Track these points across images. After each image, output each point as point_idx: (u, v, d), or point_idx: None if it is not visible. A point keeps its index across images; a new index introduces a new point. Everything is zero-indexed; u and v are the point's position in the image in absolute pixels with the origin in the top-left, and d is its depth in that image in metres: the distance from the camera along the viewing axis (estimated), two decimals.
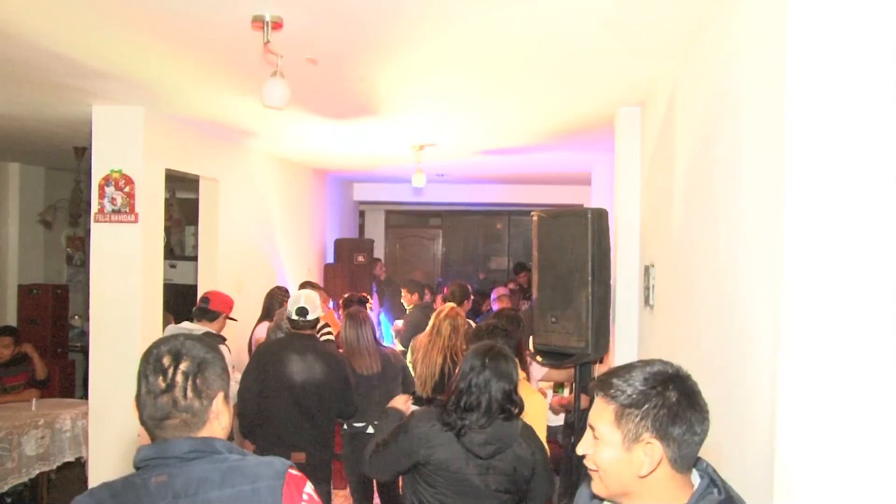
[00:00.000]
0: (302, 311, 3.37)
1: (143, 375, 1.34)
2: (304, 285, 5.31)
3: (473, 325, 5.25)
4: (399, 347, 5.41)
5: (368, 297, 5.68)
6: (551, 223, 3.19)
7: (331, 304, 5.81)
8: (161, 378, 1.32)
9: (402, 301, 6.18)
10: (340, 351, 4.08)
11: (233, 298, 3.88)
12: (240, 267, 5.22)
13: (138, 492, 1.28)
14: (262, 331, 4.47)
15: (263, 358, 3.38)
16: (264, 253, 5.73)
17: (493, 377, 2.11)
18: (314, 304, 3.43)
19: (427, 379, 4.09)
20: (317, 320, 3.44)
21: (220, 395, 1.36)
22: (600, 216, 3.07)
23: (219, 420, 1.36)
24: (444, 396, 2.14)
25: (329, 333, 4.44)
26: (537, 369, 3.56)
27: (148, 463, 1.32)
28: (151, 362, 1.34)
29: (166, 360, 1.34)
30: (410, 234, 11.53)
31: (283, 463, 1.34)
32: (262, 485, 1.29)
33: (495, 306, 6.00)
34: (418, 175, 5.86)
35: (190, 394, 1.33)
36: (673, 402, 1.16)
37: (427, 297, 6.13)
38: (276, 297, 4.65)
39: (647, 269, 3.14)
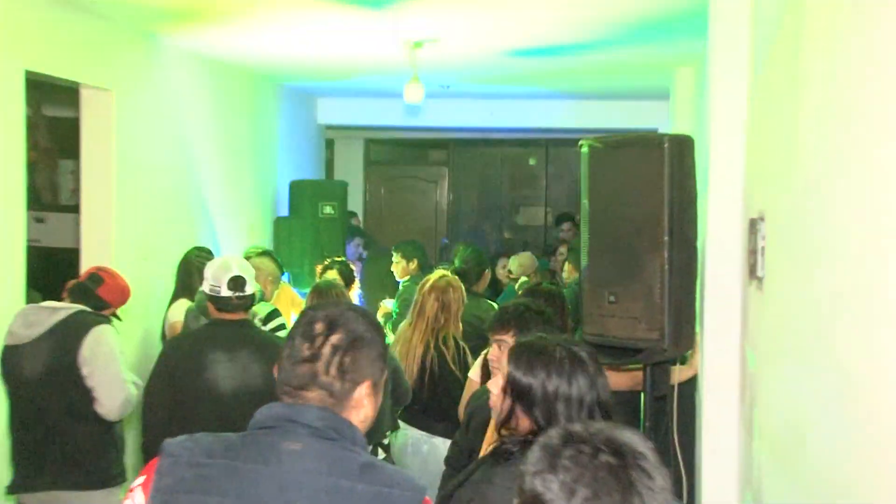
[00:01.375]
0: (237, 284, 3.37)
1: (290, 337, 1.67)
2: (261, 255, 5.26)
3: (494, 307, 5.35)
4: (388, 339, 5.45)
5: (353, 265, 5.70)
6: (609, 157, 3.22)
7: (285, 277, 5.80)
8: (307, 344, 1.63)
9: (392, 271, 6.20)
10: None
11: (129, 285, 3.80)
12: (146, 222, 5.15)
13: (265, 453, 1.54)
14: (179, 312, 4.45)
15: (175, 355, 3.40)
16: (184, 202, 5.67)
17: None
18: (250, 273, 3.45)
19: (406, 375, 4.25)
20: (252, 297, 3.46)
21: (368, 383, 1.65)
22: (683, 147, 3.06)
23: (358, 411, 1.64)
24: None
25: (281, 325, 4.43)
26: None
27: (278, 424, 1.58)
28: (303, 325, 1.66)
29: (318, 327, 1.64)
30: (402, 175, 11.52)
31: (422, 486, 1.60)
32: (402, 494, 1.55)
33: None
34: (414, 86, 5.78)
35: (333, 370, 1.62)
36: None
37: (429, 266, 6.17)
38: (196, 264, 4.64)
39: (753, 225, 3.09)
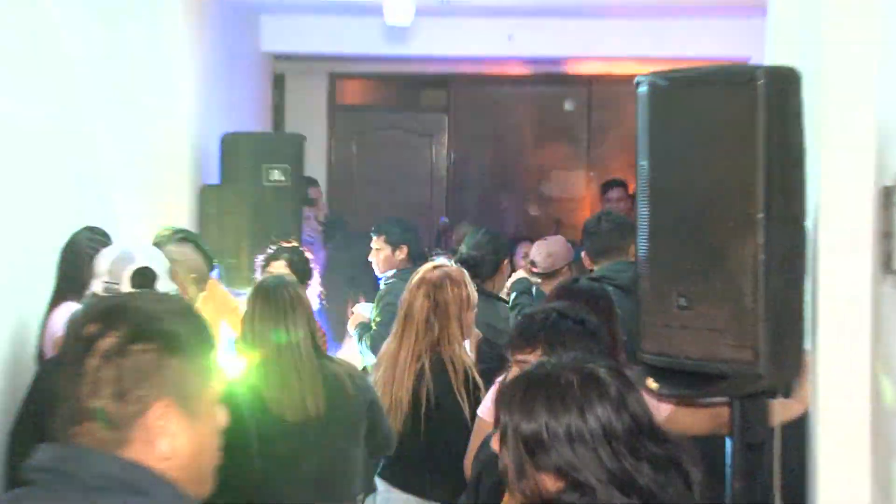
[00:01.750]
0: (144, 279, 3.41)
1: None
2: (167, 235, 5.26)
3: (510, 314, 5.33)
4: (364, 361, 5.44)
5: (309, 252, 5.70)
6: (679, 100, 3.27)
7: (215, 273, 5.79)
8: (71, 355, 1.63)
9: (370, 263, 6.20)
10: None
11: None
12: (6, 195, 5.14)
13: None
14: (63, 320, 4.44)
15: (51, 378, 3.37)
16: (64, 166, 5.65)
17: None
18: (161, 262, 3.51)
19: (390, 411, 4.28)
20: None
21: (166, 402, 1.64)
22: (786, 85, 3.11)
23: (154, 448, 1.63)
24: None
25: None
26: (648, 404, 3.53)
27: (40, 478, 1.60)
28: (71, 327, 1.68)
29: (90, 328, 1.63)
30: (382, 125, 11.52)
31: None
32: None
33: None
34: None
35: (105, 388, 1.61)
36: None
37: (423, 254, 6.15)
38: (87, 252, 4.63)
39: (888, 196, 3.09)
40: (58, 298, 4.71)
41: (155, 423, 1.63)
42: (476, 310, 4.52)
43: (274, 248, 5.59)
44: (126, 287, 3.36)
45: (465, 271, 4.58)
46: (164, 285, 3.44)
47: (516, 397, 2.19)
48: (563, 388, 2.16)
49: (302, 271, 5.23)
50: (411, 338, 4.32)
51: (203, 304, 5.22)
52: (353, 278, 7.24)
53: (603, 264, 5.22)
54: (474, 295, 4.47)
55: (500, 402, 2.23)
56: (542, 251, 6.27)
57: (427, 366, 4.28)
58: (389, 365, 4.36)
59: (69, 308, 4.51)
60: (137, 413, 1.62)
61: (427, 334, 4.30)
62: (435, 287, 4.34)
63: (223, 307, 5.59)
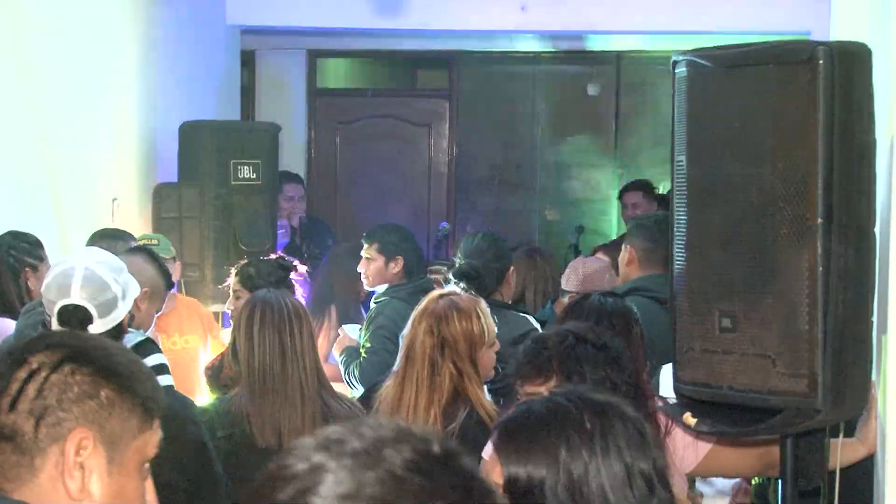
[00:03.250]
0: (72, 316, 3.39)
1: None
2: (98, 237, 5.26)
3: (533, 324, 5.29)
4: (352, 393, 5.44)
5: (291, 262, 5.66)
6: (724, 83, 3.26)
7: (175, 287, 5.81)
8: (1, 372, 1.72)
9: (358, 274, 6.21)
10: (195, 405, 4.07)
11: None
12: None
13: None
14: None
15: None
16: None
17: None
18: (107, 295, 3.46)
19: None
20: (115, 329, 3.50)
21: (83, 437, 1.65)
22: (853, 64, 3.09)
23: (63, 480, 1.65)
24: None
25: (159, 367, 4.44)
26: (683, 441, 3.62)
27: None
28: (7, 347, 1.77)
29: (28, 346, 1.73)
30: (372, 113, 11.53)
31: None
32: None
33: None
34: None
35: (22, 405, 1.67)
36: None
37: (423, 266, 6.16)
38: (8, 262, 4.68)
39: None
40: None
41: (70, 453, 1.66)
42: (496, 346, 4.41)
43: (244, 260, 5.60)
44: (55, 324, 3.38)
45: (481, 301, 4.47)
46: (107, 320, 3.44)
47: (515, 440, 2.18)
48: (577, 425, 2.16)
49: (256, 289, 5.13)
50: (413, 383, 4.20)
51: (165, 321, 5.25)
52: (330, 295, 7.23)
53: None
54: (492, 328, 4.34)
55: (495, 443, 2.21)
56: (575, 273, 6.24)
57: (437, 415, 4.16)
58: (392, 418, 4.28)
59: None
60: (53, 437, 1.66)
61: (432, 379, 4.19)
62: (439, 320, 4.21)
63: (199, 323, 5.64)
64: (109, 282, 3.46)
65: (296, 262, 5.67)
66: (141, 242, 5.67)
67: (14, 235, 4.98)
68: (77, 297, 3.39)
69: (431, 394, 4.19)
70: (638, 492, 2.13)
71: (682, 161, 3.31)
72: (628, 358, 3.26)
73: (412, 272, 6.08)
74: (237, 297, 5.14)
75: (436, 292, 4.44)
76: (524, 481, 2.13)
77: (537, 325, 5.34)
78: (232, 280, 5.34)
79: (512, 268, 5.82)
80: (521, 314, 5.57)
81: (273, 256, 5.73)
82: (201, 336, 5.70)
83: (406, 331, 4.33)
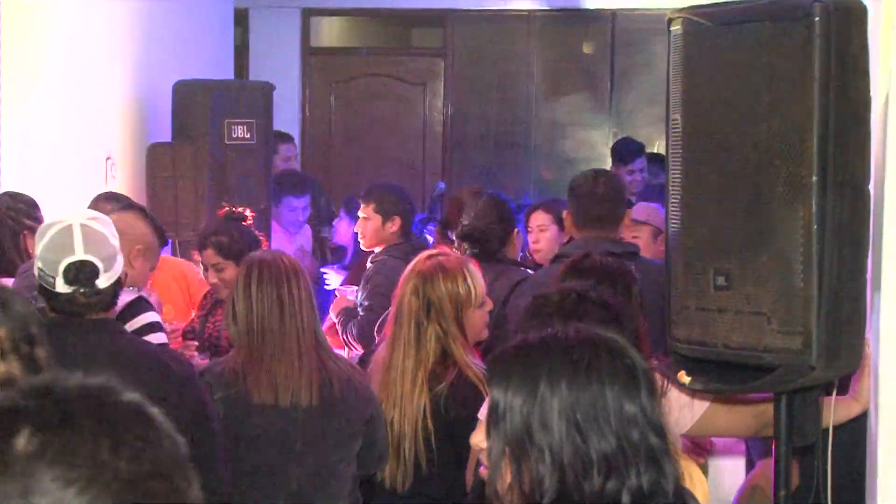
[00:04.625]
0: (79, 276, 3.39)
1: None
2: (101, 199, 5.26)
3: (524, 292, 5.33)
4: (350, 351, 5.48)
5: (241, 212, 5.63)
6: (719, 42, 3.26)
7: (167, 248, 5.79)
8: None
9: (356, 234, 6.23)
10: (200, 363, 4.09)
11: None
12: None
13: None
14: None
15: None
16: None
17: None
18: (109, 248, 3.46)
19: (395, 444, 4.21)
20: (115, 288, 3.51)
21: None
22: (848, 21, 3.07)
23: None
24: None
25: (151, 325, 4.48)
26: (679, 402, 3.62)
27: None
28: None
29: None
30: (366, 72, 11.51)
31: None
32: None
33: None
34: None
35: None
36: None
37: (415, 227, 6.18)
38: (6, 223, 4.65)
39: None
40: None
41: None
42: (487, 305, 4.40)
43: (225, 211, 5.53)
44: (60, 283, 3.37)
45: (470, 261, 4.46)
46: (110, 275, 3.44)
47: (516, 367, 2.21)
48: (579, 357, 2.18)
49: (239, 253, 4.99)
50: (402, 343, 4.22)
51: (156, 288, 5.24)
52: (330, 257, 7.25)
53: (588, 234, 5.13)
54: (480, 288, 4.32)
55: (488, 372, 2.24)
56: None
57: (447, 384, 4.17)
58: (383, 380, 4.27)
59: None
60: None
61: (421, 340, 4.20)
62: (424, 281, 4.22)
63: (181, 281, 5.59)
64: (108, 235, 3.47)
65: (244, 210, 5.60)
66: (115, 201, 5.64)
67: (11, 196, 4.96)
68: (81, 253, 3.39)
69: (418, 355, 4.21)
70: (618, 430, 2.14)
71: (677, 119, 3.31)
72: (629, 317, 3.27)
73: (409, 232, 6.10)
74: (219, 270, 5.08)
75: (425, 252, 4.45)
76: (502, 406, 2.16)
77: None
78: (204, 254, 5.24)
79: (516, 230, 5.79)
80: (528, 269, 5.57)
81: (222, 211, 5.63)
82: (181, 308, 5.60)
83: (396, 289, 4.35)
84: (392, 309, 4.34)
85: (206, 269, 5.22)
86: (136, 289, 4.65)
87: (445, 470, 4.20)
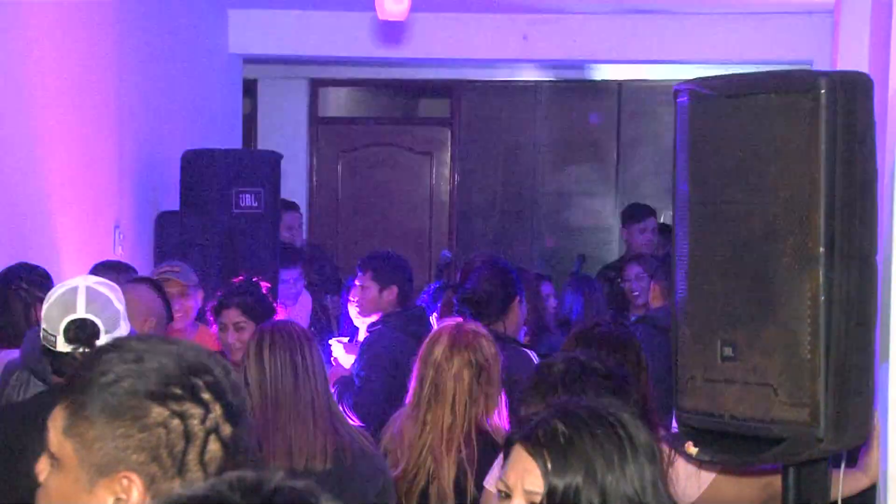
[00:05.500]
0: (80, 333, 3.40)
1: None
2: (101, 269, 5.25)
3: (531, 358, 5.30)
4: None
5: (264, 284, 5.66)
6: (726, 112, 3.26)
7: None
8: None
9: (351, 305, 6.21)
10: None
11: None
12: None
13: None
14: None
15: None
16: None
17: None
18: (111, 310, 3.46)
19: None
20: None
21: None
22: (855, 94, 3.08)
23: None
24: None
25: None
26: (685, 472, 3.62)
27: None
28: None
29: None
30: (374, 141, 11.54)
31: None
32: None
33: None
34: None
35: None
36: None
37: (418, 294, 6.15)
38: (20, 294, 4.66)
39: None
40: None
41: None
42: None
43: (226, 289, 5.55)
44: (61, 341, 3.37)
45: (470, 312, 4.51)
46: (113, 334, 3.44)
47: (568, 451, 2.20)
48: (622, 434, 2.21)
49: (261, 315, 5.14)
50: (445, 418, 4.18)
51: None
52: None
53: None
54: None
55: (550, 459, 2.21)
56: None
57: (474, 451, 4.14)
58: (412, 457, 4.21)
59: (2, 357, 4.54)
60: None
61: (471, 410, 4.18)
62: (473, 351, 4.20)
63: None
64: (112, 298, 3.47)
65: (258, 280, 5.66)
66: (163, 270, 5.66)
67: (25, 268, 4.95)
68: (83, 311, 3.39)
69: (461, 422, 4.18)
70: (655, 498, 2.17)
71: (684, 190, 3.30)
72: (634, 387, 3.26)
73: (406, 300, 6.07)
74: (239, 329, 5.09)
75: (448, 323, 4.42)
76: (561, 490, 2.16)
77: (535, 361, 5.30)
78: (226, 314, 5.25)
79: (517, 299, 5.66)
80: (524, 349, 5.42)
81: (238, 279, 5.72)
82: None
83: (423, 369, 4.27)
84: (424, 384, 4.25)
85: (223, 330, 5.21)
86: None
87: None
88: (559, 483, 2.16)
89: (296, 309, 7.65)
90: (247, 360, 4.00)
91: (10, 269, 4.92)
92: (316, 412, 3.94)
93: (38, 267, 5.05)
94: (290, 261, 7.81)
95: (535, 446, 2.20)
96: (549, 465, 2.18)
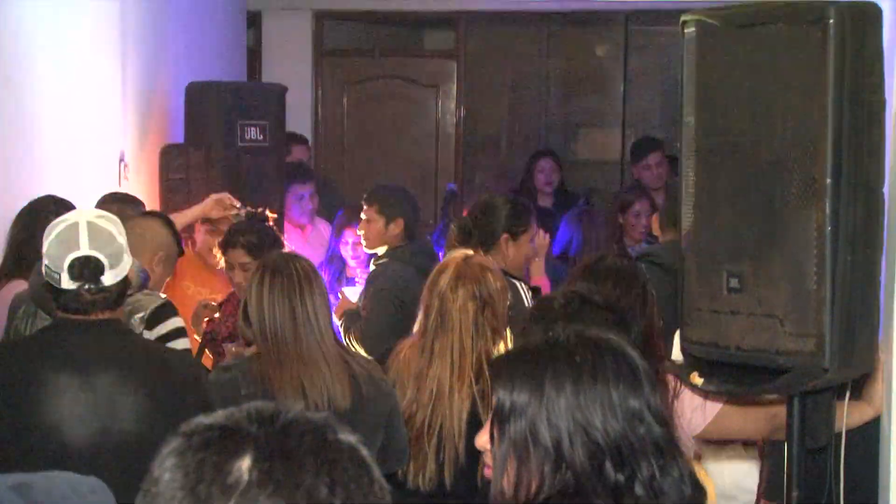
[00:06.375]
0: (83, 271, 3.40)
1: None
2: (109, 201, 5.27)
3: (527, 296, 5.31)
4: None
5: (270, 214, 5.68)
6: (733, 43, 3.26)
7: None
8: None
9: (358, 236, 6.22)
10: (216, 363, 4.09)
11: None
12: None
13: None
14: (4, 304, 4.52)
15: None
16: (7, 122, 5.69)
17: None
18: (115, 245, 3.46)
19: (433, 443, 4.21)
20: (121, 287, 3.51)
21: None
22: (863, 24, 3.08)
23: None
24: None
25: (177, 331, 4.51)
26: (691, 403, 3.64)
27: None
28: None
29: None
30: (378, 74, 11.49)
31: None
32: None
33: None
34: None
35: None
36: None
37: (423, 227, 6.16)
38: (42, 226, 4.70)
39: None
40: (3, 276, 4.76)
41: None
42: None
43: (234, 211, 5.59)
44: (65, 279, 3.38)
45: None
46: (116, 273, 3.45)
47: (508, 369, 2.28)
48: (583, 358, 2.24)
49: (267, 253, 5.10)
50: (452, 352, 4.20)
51: (171, 288, 5.25)
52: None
53: (668, 238, 5.23)
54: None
55: (499, 375, 2.29)
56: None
57: (487, 380, 4.08)
58: (421, 387, 4.25)
59: (15, 288, 4.55)
60: None
61: (478, 342, 4.21)
62: (478, 283, 4.23)
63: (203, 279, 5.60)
64: (114, 232, 3.47)
65: (264, 211, 5.67)
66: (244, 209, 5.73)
67: (55, 201, 4.96)
68: (86, 249, 3.39)
69: (471, 358, 4.20)
70: (623, 426, 2.20)
71: (690, 122, 3.31)
72: (638, 319, 3.27)
73: (412, 233, 6.06)
74: (247, 269, 5.00)
75: (455, 254, 4.43)
76: (507, 407, 2.22)
77: (525, 294, 5.30)
78: (232, 253, 5.27)
79: (526, 232, 5.56)
80: (513, 279, 5.30)
81: (243, 212, 5.71)
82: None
83: (429, 300, 4.31)
84: (427, 315, 4.30)
85: (231, 268, 5.22)
86: (159, 295, 4.66)
87: (472, 470, 4.21)
88: (506, 399, 2.22)
89: (312, 233, 7.64)
90: (248, 296, 4.00)
91: (39, 202, 4.93)
92: (327, 354, 3.93)
93: (65, 200, 5.06)
94: (304, 176, 7.80)
95: (495, 366, 2.38)
96: (500, 382, 2.25)
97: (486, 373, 4.15)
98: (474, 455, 4.18)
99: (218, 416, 1.44)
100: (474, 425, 4.16)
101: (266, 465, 1.36)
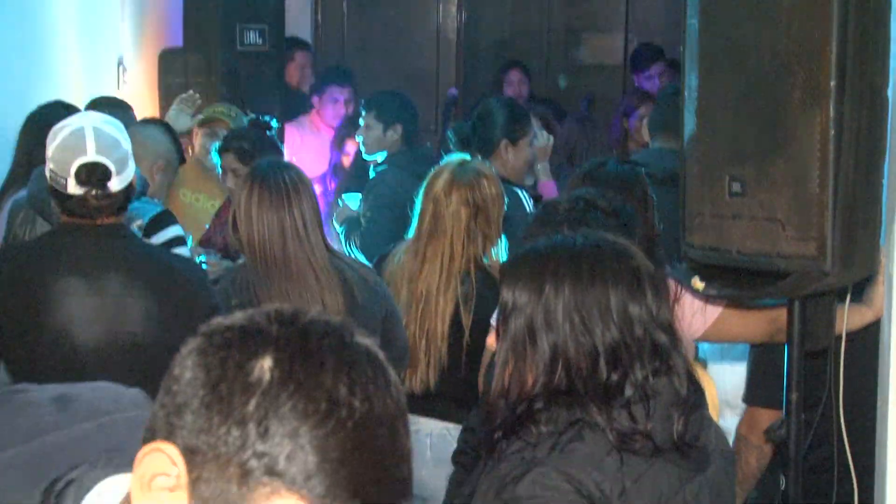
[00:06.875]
0: (91, 177, 3.40)
1: None
2: (99, 105, 5.26)
3: (529, 203, 5.30)
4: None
5: (264, 120, 5.67)
6: None
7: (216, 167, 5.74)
8: None
9: (357, 142, 6.21)
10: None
11: None
12: None
13: None
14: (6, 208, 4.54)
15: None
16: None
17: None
18: (121, 151, 3.46)
19: (422, 345, 4.25)
20: (127, 193, 3.51)
21: None
22: None
23: None
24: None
25: (176, 239, 4.54)
26: (692, 307, 3.65)
27: None
28: None
29: None
30: None
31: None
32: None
33: None
34: None
35: None
36: None
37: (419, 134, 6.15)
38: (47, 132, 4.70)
39: None
40: (7, 185, 4.79)
41: None
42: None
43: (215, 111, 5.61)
44: (72, 184, 3.37)
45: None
46: (122, 179, 3.45)
47: (524, 270, 2.33)
48: (584, 260, 2.30)
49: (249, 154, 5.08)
50: (443, 256, 4.24)
51: (172, 198, 5.26)
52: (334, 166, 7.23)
53: (657, 142, 5.24)
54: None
55: (502, 275, 2.35)
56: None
57: (472, 286, 4.22)
58: (412, 290, 4.29)
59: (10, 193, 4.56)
60: None
61: (468, 248, 4.24)
62: (472, 189, 4.25)
63: (201, 187, 5.60)
64: (119, 138, 3.47)
65: (267, 118, 5.66)
66: (216, 113, 5.72)
67: (66, 107, 4.85)
68: (93, 154, 3.39)
69: (460, 262, 4.24)
70: (622, 327, 2.27)
71: (693, 24, 3.27)
72: (640, 224, 3.27)
73: (411, 139, 6.05)
74: (238, 175, 5.01)
75: (452, 161, 4.42)
76: (511, 305, 2.30)
77: (526, 201, 5.32)
78: (225, 158, 5.25)
79: (524, 138, 5.55)
80: (514, 187, 5.31)
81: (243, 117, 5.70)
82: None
83: (424, 205, 4.33)
84: (424, 222, 4.32)
85: (224, 173, 5.21)
86: (158, 203, 4.67)
87: (454, 372, 4.26)
88: (509, 298, 2.29)
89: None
90: (237, 208, 3.99)
91: (48, 107, 4.91)
92: (317, 267, 3.93)
93: (73, 106, 5.03)
94: (342, 79, 7.72)
95: (503, 268, 2.47)
96: (506, 282, 2.33)
97: (473, 277, 4.23)
98: (457, 357, 4.26)
99: (237, 316, 1.46)
100: (456, 328, 4.24)
101: (287, 365, 1.38)
